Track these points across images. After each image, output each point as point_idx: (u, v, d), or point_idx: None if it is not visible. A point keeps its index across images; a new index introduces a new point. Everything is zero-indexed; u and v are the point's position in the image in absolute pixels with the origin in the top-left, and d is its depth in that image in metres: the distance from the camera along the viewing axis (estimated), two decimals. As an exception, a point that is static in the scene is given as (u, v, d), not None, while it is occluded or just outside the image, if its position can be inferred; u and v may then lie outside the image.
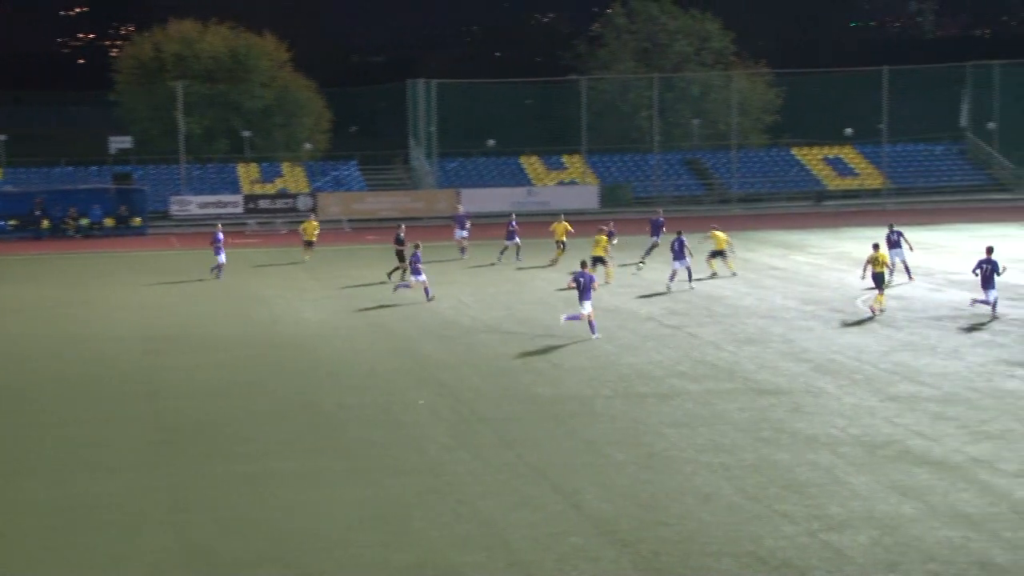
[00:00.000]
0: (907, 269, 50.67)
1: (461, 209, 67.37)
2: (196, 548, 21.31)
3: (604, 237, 52.23)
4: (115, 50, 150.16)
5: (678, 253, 50.16)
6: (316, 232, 63.05)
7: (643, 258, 56.60)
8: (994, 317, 41.49)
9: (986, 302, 41.84)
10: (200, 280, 56.62)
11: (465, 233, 62.68)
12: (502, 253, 59.77)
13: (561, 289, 48.51)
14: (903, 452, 26.05)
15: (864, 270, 44.88)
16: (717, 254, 53.28)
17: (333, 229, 76.41)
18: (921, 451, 26.08)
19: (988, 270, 42.16)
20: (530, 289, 51.17)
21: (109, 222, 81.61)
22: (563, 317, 40.47)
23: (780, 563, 19.96)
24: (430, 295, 48.41)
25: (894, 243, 50.76)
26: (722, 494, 23.46)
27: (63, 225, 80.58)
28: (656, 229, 58.42)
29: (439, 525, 22.01)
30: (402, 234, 55.44)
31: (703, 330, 40.93)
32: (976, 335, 38.95)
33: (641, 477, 24.69)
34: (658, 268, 56.12)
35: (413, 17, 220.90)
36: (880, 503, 22.78)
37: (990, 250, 43.34)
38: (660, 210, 64.13)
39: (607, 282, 50.53)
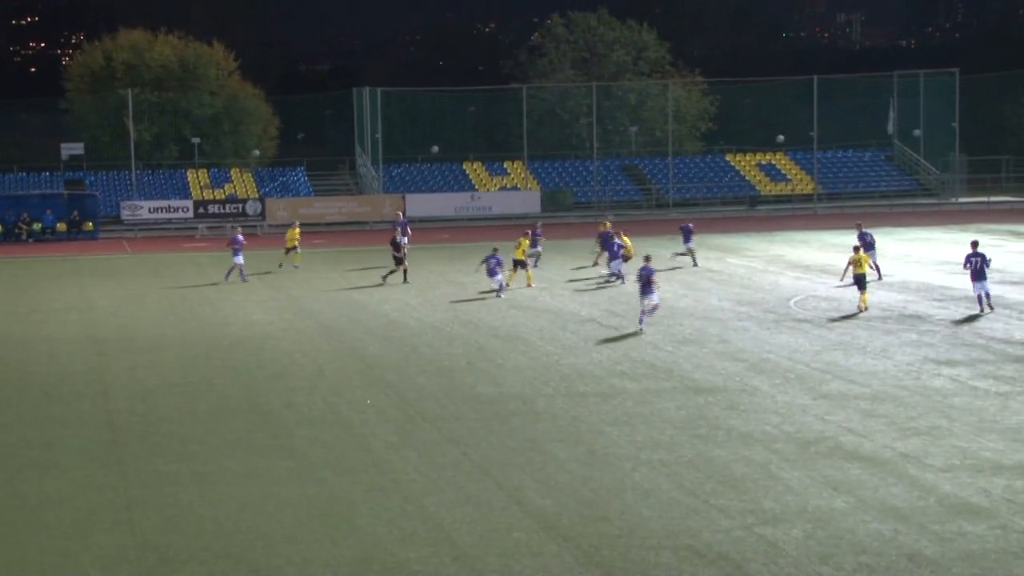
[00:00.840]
0: (878, 269, 50.84)
1: (401, 216, 66.44)
2: (148, 544, 21.10)
3: (525, 240, 52.23)
4: (66, 58, 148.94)
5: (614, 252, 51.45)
6: (298, 237, 61.79)
7: (695, 263, 57.42)
8: (990, 308, 42.37)
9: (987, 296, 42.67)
10: (171, 287, 56.32)
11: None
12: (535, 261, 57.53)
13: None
14: (835, 448, 26.17)
15: (845, 272, 45.28)
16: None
17: (280, 234, 75.99)
18: (852, 447, 26.20)
19: (978, 263, 42.69)
20: (475, 291, 51.01)
21: (61, 227, 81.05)
22: (642, 322, 40.80)
23: (717, 556, 19.99)
24: (503, 293, 49.44)
25: (869, 244, 50.35)
26: (661, 490, 23.48)
27: (16, 230, 79.95)
28: (687, 235, 58.67)
29: (385, 521, 21.91)
30: (398, 237, 55.14)
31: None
32: (904, 335, 39.17)
33: (582, 474, 24.67)
34: (591, 269, 56.38)
35: (358, 27, 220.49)
36: (813, 497, 22.86)
37: (975, 244, 44.01)
38: (689, 220, 63.23)
39: (529, 285, 50.95)
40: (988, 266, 43.14)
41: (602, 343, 38.99)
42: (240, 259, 55.43)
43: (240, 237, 56.85)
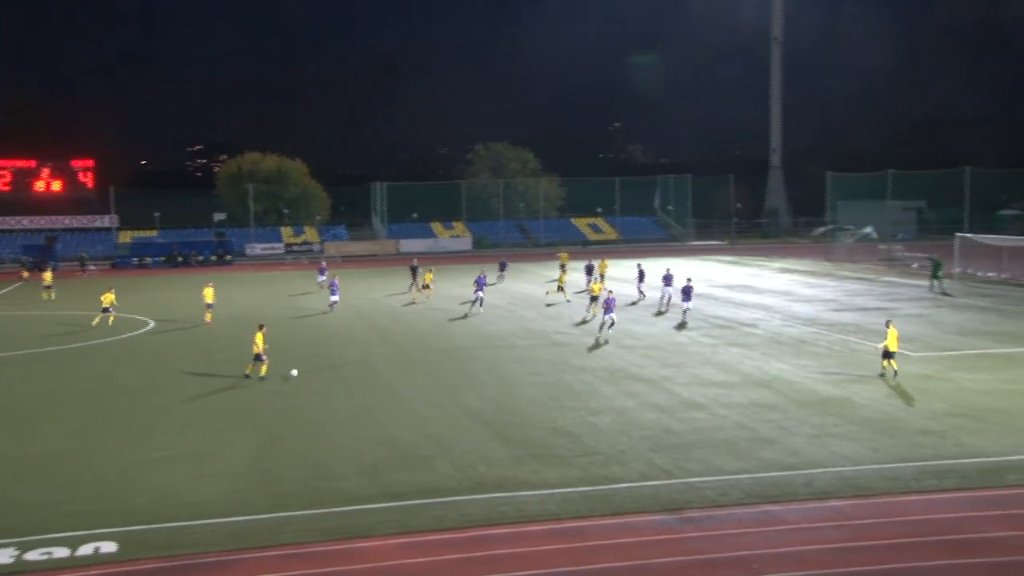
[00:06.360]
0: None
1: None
2: (385, 438, 19.94)
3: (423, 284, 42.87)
4: (217, 167, 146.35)
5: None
6: None
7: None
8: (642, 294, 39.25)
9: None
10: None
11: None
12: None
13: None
14: (628, 375, 25.48)
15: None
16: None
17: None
18: (635, 373, 25.44)
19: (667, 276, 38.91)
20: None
21: (214, 258, 79.94)
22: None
23: (566, 432, 19.75)
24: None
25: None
26: (538, 398, 22.95)
27: (186, 259, 78.62)
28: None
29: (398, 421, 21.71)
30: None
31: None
32: (668, 318, 37.64)
33: (496, 388, 23.99)
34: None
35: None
36: (616, 400, 22.55)
37: (668, 268, 40.52)
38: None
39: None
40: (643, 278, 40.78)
41: (511, 323, 36.96)
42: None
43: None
